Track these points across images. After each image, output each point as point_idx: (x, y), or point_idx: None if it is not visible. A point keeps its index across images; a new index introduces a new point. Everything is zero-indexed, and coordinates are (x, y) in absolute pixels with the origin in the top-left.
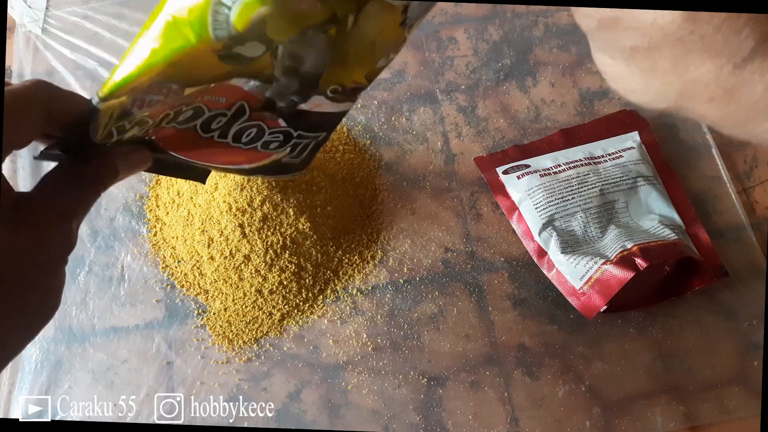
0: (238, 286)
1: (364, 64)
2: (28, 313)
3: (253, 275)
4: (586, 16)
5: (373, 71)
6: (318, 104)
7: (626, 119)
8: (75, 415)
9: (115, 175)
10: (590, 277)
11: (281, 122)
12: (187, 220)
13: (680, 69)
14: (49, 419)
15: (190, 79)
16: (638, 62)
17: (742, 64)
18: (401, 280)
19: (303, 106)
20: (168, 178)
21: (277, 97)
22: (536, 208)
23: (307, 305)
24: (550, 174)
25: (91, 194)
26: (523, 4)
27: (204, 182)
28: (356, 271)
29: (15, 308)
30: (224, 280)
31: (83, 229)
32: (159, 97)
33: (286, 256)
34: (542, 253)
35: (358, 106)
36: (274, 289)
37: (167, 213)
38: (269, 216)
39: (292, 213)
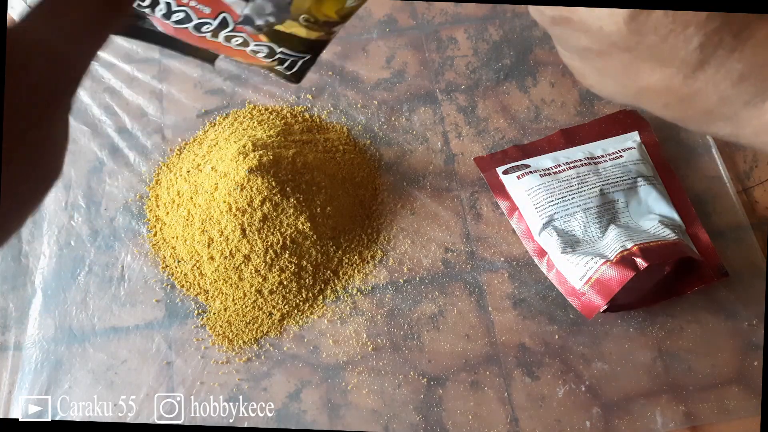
0: (238, 286)
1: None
2: (18, 180)
3: (253, 275)
4: (539, 12)
5: (344, 9)
6: (294, 28)
7: (626, 119)
8: (75, 415)
9: None
10: (590, 277)
11: (262, 38)
12: (187, 220)
13: (631, 75)
14: (49, 419)
15: None
16: (591, 62)
17: (692, 74)
18: (401, 280)
19: (280, 28)
20: (168, 178)
21: (254, 14)
22: (536, 208)
23: (307, 305)
24: (550, 174)
25: (101, 24)
26: (523, 5)
27: (213, 63)
28: (356, 271)
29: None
30: (224, 280)
31: (84, 230)
32: None
33: (286, 256)
34: (542, 253)
35: (358, 105)
36: (274, 289)
37: (167, 213)
38: (269, 216)
39: (292, 213)
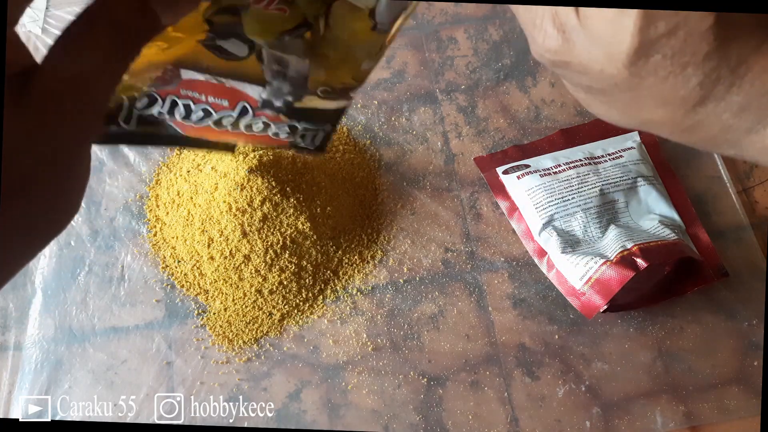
0: (238, 286)
1: (347, 67)
2: (39, 215)
3: (253, 275)
4: (538, 55)
5: (360, 73)
6: (313, 102)
7: None
8: (75, 415)
9: (156, 19)
10: (590, 277)
11: (283, 118)
12: (187, 220)
13: (634, 111)
14: (49, 419)
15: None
16: (595, 96)
17: (693, 110)
18: (401, 280)
19: (299, 105)
20: (168, 178)
21: (273, 97)
22: (536, 208)
23: (307, 305)
24: (550, 174)
25: (123, 52)
26: (522, 5)
27: (233, 152)
28: (356, 271)
29: (21, 210)
30: (224, 280)
31: (83, 229)
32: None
33: (286, 256)
34: (542, 253)
35: (358, 105)
36: (274, 289)
37: (167, 213)
38: (269, 216)
39: (292, 213)
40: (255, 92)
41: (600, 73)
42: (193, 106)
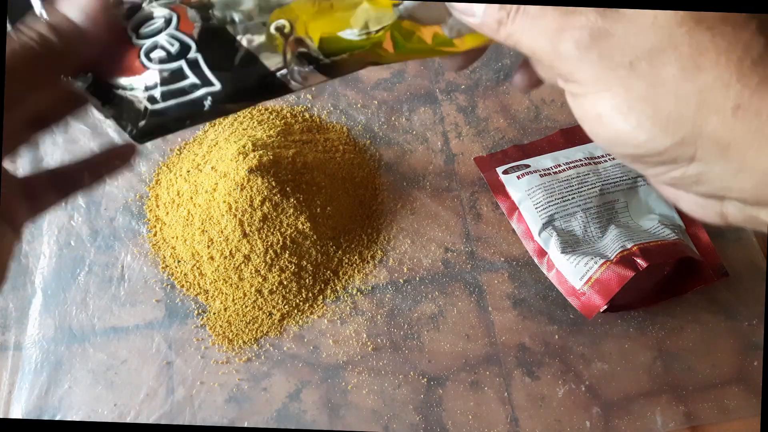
0: (238, 286)
1: (332, 21)
2: None
3: (253, 275)
4: (572, 36)
5: (334, 40)
6: (250, 40)
7: None
8: (75, 415)
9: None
10: (590, 277)
11: (195, 31)
12: (187, 220)
13: (692, 73)
14: (49, 419)
15: None
16: (640, 79)
17: (761, 60)
18: (401, 280)
19: (235, 29)
20: (168, 178)
21: (220, 5)
22: (536, 208)
23: (307, 305)
24: (550, 174)
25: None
26: (522, 5)
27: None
28: (356, 271)
29: None
30: (224, 280)
31: (83, 230)
32: None
33: (286, 256)
34: (542, 253)
35: (359, 105)
36: (274, 289)
37: (167, 213)
38: (269, 216)
39: (292, 213)
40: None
41: (652, 23)
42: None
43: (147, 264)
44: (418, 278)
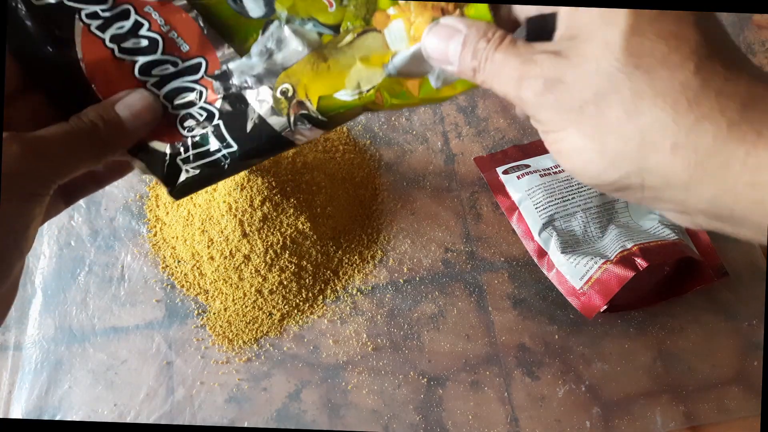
0: (238, 286)
1: (328, 83)
2: None
3: (253, 275)
4: (530, 85)
5: (330, 101)
6: (261, 100)
7: None
8: (75, 415)
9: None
10: (590, 277)
11: (218, 102)
12: (187, 220)
13: (633, 115)
14: (49, 419)
15: None
16: (589, 121)
17: (696, 100)
18: (401, 280)
19: (249, 96)
20: None
21: (237, 71)
22: (536, 208)
23: (307, 305)
24: (550, 174)
25: (78, 162)
26: (522, 5)
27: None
28: (356, 271)
29: None
30: (224, 280)
31: (84, 230)
32: None
33: (286, 256)
34: (542, 253)
35: None
36: (274, 289)
37: (167, 213)
38: (269, 216)
39: (292, 213)
40: (223, 57)
41: (596, 69)
42: (144, 31)
43: (147, 264)
44: (418, 278)
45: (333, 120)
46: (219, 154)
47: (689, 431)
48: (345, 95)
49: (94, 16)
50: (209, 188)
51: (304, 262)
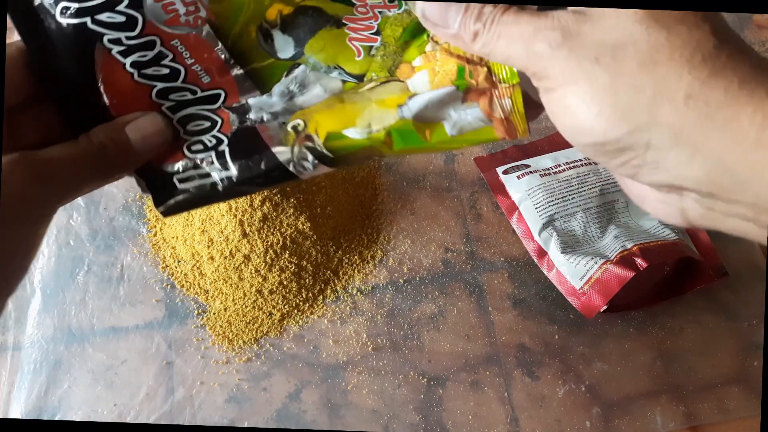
0: (238, 286)
1: (339, 119)
2: None
3: (253, 275)
4: (544, 36)
5: (338, 137)
6: (270, 137)
7: None
8: (74, 415)
9: (128, 157)
10: (590, 277)
11: (230, 132)
12: (187, 220)
13: (649, 66)
14: (48, 419)
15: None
16: (604, 71)
17: (710, 57)
18: (401, 280)
19: (260, 128)
20: None
21: (256, 108)
22: (536, 208)
23: (307, 305)
24: (550, 174)
25: (87, 183)
26: (523, 5)
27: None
28: (356, 271)
29: None
30: (224, 280)
31: (83, 229)
32: (179, 5)
33: (286, 256)
34: (542, 253)
35: None
36: (274, 289)
37: None
38: (269, 216)
39: (292, 213)
40: (243, 92)
41: (615, 23)
42: (167, 61)
43: (147, 264)
44: (418, 278)
45: (340, 158)
46: (217, 177)
47: (689, 431)
48: (354, 133)
49: (117, 42)
50: None
51: (304, 262)
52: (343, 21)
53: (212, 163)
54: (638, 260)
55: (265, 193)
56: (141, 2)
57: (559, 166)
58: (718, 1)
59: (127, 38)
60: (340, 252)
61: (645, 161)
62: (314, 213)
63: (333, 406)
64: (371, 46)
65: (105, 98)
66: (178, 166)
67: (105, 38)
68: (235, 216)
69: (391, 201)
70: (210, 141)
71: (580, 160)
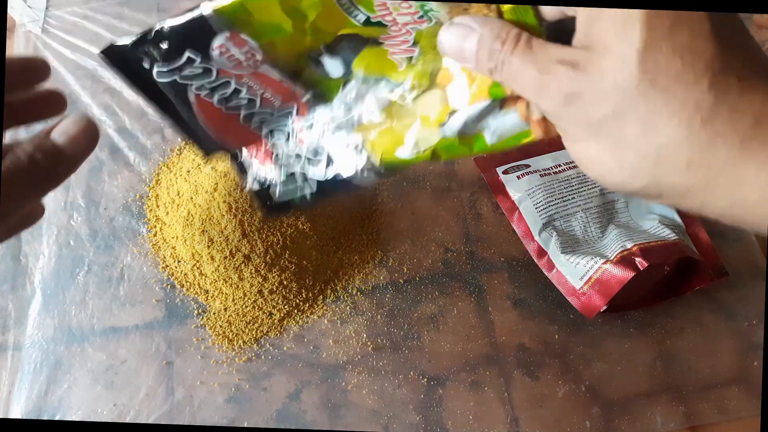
0: (238, 286)
1: (391, 141)
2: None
3: (253, 275)
4: (549, 97)
5: (392, 157)
6: (336, 149)
7: None
8: (74, 415)
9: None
10: (590, 277)
11: (303, 145)
12: (187, 220)
13: (650, 133)
14: (48, 419)
15: (275, 51)
16: (608, 136)
17: (710, 117)
18: (401, 280)
19: (326, 143)
20: (168, 178)
21: (321, 121)
22: (536, 208)
23: (307, 305)
24: (550, 174)
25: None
26: (524, 5)
27: (206, 157)
28: (356, 271)
29: None
30: (224, 280)
31: (83, 229)
32: (238, 55)
33: (286, 256)
34: (542, 253)
35: None
36: (274, 289)
37: (167, 213)
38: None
39: (292, 213)
40: (310, 106)
41: (613, 88)
42: (242, 94)
43: (147, 264)
44: (418, 278)
45: (393, 171)
46: (300, 193)
47: (689, 431)
48: (404, 153)
49: (201, 87)
50: (209, 188)
51: (304, 262)
52: (380, 40)
53: (296, 180)
54: (638, 260)
55: None
56: (210, 57)
57: (559, 166)
58: (719, 1)
59: (209, 83)
60: (340, 252)
61: (664, 202)
62: (314, 213)
63: (333, 406)
64: (411, 57)
65: (207, 129)
66: (273, 176)
67: (193, 86)
68: (235, 216)
69: (391, 201)
70: (290, 154)
71: None
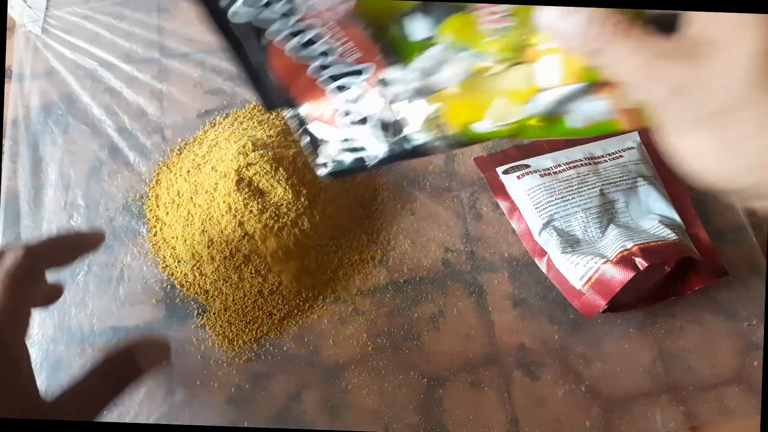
0: (238, 286)
1: (470, 113)
2: None
3: (253, 275)
4: (656, 86)
5: (468, 130)
6: (411, 114)
7: None
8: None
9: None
10: (590, 277)
11: (375, 105)
12: (187, 220)
13: (765, 131)
14: (48, 419)
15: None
16: (720, 130)
17: None
18: (401, 280)
19: (401, 107)
20: (168, 178)
21: (397, 83)
22: (536, 208)
23: (307, 305)
24: (550, 174)
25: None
26: (527, 5)
27: (268, 110)
28: (356, 271)
29: None
30: (224, 280)
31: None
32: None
33: (286, 256)
34: (542, 253)
35: None
36: (274, 289)
37: (167, 213)
38: (269, 216)
39: (292, 213)
40: (387, 65)
41: (730, 81)
42: (320, 42)
43: (147, 264)
44: (418, 278)
45: (466, 143)
46: (364, 153)
47: (689, 431)
48: (482, 127)
49: (277, 32)
50: (209, 188)
51: (305, 262)
52: (470, 9)
53: (362, 142)
54: (638, 260)
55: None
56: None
57: (559, 166)
58: (722, 1)
59: (288, 27)
60: (340, 252)
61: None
62: (314, 213)
63: (333, 407)
64: (499, 28)
65: (278, 79)
66: (339, 137)
67: (269, 31)
68: (235, 216)
69: (391, 201)
70: (360, 113)
71: (580, 160)
